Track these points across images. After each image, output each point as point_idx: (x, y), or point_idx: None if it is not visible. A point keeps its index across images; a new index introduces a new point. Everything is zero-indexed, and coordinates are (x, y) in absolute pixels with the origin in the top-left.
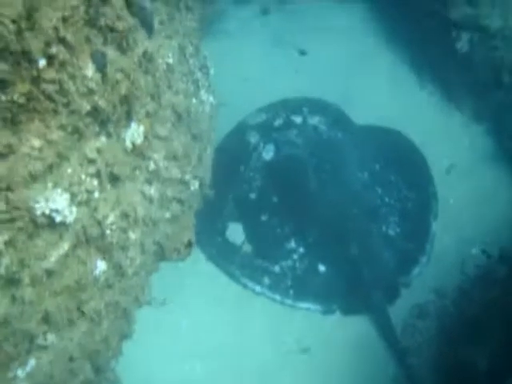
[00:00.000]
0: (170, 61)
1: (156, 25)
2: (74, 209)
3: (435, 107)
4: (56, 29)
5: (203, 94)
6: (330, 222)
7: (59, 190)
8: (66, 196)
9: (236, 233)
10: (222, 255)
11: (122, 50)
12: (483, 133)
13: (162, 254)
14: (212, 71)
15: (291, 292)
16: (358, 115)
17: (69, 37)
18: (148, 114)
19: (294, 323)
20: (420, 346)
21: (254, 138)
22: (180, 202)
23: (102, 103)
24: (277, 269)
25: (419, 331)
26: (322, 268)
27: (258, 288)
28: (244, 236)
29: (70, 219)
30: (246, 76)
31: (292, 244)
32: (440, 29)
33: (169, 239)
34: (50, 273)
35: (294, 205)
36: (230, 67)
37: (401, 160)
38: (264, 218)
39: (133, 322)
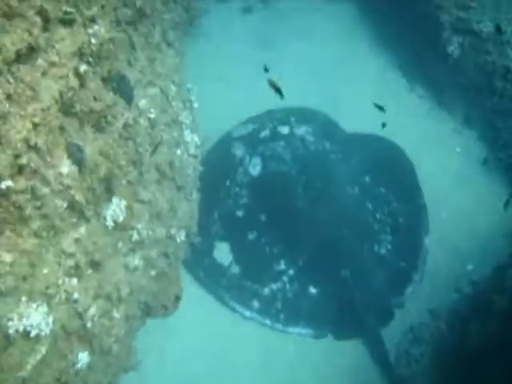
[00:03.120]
0: (152, 116)
1: (136, 74)
2: (51, 319)
3: (426, 112)
4: (26, 140)
5: (187, 135)
6: (320, 242)
7: (34, 305)
8: (42, 309)
9: (223, 253)
10: (210, 277)
11: (101, 129)
12: (475, 139)
13: (148, 313)
14: (196, 105)
15: (281, 316)
16: (347, 121)
17: (41, 142)
18: (130, 183)
19: (285, 348)
20: (416, 375)
21: (239, 151)
22: (166, 256)
23: (79, 197)
24: (266, 291)
25: (414, 359)
26: (312, 290)
27: (247, 313)
28: (232, 256)
29: (46, 331)
30: (227, 80)
31: (281, 265)
32: (431, 32)
33: (155, 298)
34: (27, 379)
35: (282, 224)
36: (211, 70)
37: (391, 170)
38: (252, 237)
39: None
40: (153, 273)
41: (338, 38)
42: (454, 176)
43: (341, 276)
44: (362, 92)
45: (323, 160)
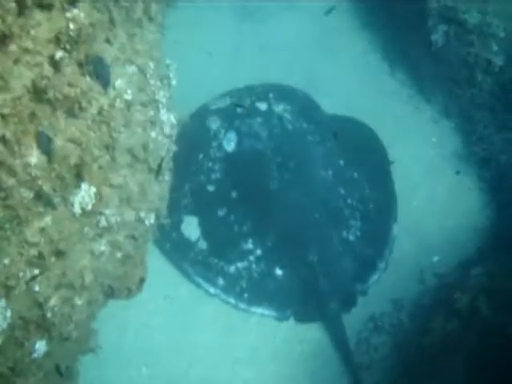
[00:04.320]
0: (129, 97)
1: (115, 52)
2: (9, 313)
3: (405, 98)
4: None
5: (163, 115)
6: (290, 225)
7: None
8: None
9: (191, 227)
10: (176, 251)
11: (74, 115)
12: (452, 130)
13: (111, 295)
14: (174, 82)
15: (245, 295)
16: (325, 101)
17: (9, 134)
18: (101, 168)
19: (246, 328)
20: (374, 364)
21: (214, 124)
22: (133, 238)
23: (46, 187)
24: (232, 269)
25: (374, 347)
26: (278, 272)
27: (211, 289)
28: (200, 231)
29: (3, 326)
30: (209, 50)
31: (249, 245)
32: (417, 18)
33: (120, 280)
34: None
35: (253, 203)
36: (193, 41)
37: (364, 155)
38: (221, 213)
39: (76, 376)
40: (119, 255)
41: (321, 16)
42: (427, 165)
43: (308, 260)
44: (342, 72)
45: (300, 141)
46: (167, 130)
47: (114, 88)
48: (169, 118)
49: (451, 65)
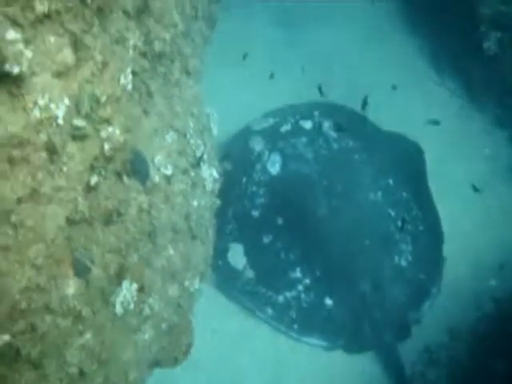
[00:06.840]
0: (169, 172)
1: (153, 123)
2: None
3: (456, 109)
4: (26, 287)
5: (205, 171)
6: (339, 252)
7: None
8: None
9: (237, 255)
10: (223, 280)
11: (112, 222)
12: (506, 142)
13: (157, 365)
14: (215, 131)
15: (295, 326)
16: (373, 111)
17: (43, 280)
18: (142, 258)
19: (297, 361)
20: None
21: (258, 146)
22: (179, 306)
23: (86, 311)
24: (280, 299)
25: (430, 382)
26: (328, 302)
27: (262, 315)
28: (246, 260)
29: None
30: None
31: (297, 273)
32: (468, 24)
33: (166, 351)
34: None
35: (300, 230)
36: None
37: (411, 174)
38: (267, 240)
39: None
40: (164, 327)
41: (365, 22)
42: (480, 180)
43: (360, 290)
44: (388, 80)
45: (347, 161)
46: (209, 186)
47: (153, 163)
48: (210, 174)
49: (504, 73)
